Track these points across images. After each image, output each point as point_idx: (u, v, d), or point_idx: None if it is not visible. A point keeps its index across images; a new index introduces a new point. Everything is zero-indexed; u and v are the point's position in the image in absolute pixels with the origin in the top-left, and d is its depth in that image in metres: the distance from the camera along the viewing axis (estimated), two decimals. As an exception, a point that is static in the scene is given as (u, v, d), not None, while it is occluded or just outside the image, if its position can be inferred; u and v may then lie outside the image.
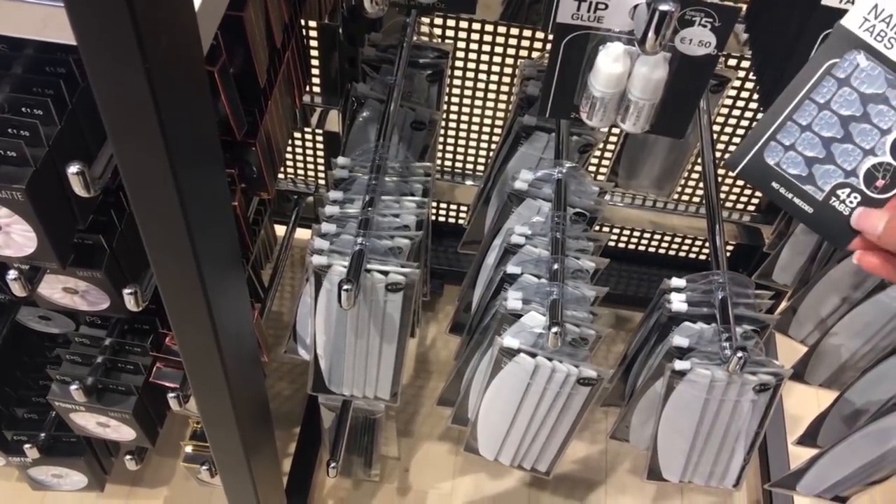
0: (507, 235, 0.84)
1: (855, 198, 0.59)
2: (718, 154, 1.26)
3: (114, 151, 0.56)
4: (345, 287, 0.71)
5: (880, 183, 0.58)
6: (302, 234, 1.37)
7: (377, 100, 0.96)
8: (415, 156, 0.98)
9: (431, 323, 1.55)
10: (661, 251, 1.50)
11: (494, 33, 1.15)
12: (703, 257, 1.49)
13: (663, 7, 0.47)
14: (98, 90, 0.52)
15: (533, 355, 0.76)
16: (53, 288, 0.84)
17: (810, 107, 0.55)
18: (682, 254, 1.49)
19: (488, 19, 1.11)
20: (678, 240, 1.46)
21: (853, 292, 0.94)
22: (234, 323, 0.76)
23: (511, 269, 0.81)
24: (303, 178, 1.42)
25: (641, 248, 1.50)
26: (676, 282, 0.81)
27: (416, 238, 0.82)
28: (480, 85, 1.22)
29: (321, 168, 1.39)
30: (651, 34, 0.49)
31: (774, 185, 0.59)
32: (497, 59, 1.18)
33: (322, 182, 1.40)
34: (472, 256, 0.99)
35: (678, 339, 0.77)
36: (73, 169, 0.63)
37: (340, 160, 0.87)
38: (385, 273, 0.79)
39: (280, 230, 1.33)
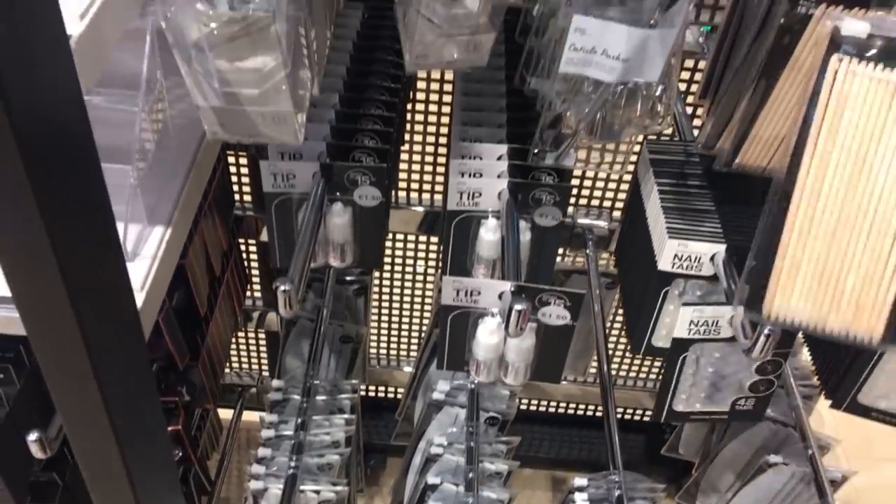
0: (428, 446, 0.93)
1: (751, 402, 0.77)
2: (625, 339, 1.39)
3: (64, 426, 0.65)
4: (278, 518, 0.79)
5: (762, 388, 0.76)
6: (248, 415, 1.44)
7: (307, 319, 1.07)
8: (345, 365, 1.09)
9: (376, 497, 1.60)
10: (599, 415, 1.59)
11: (416, 241, 1.28)
12: (646, 419, 1.58)
13: (518, 307, 0.60)
14: (47, 374, 0.61)
15: (453, 565, 0.84)
16: (10, 521, 0.90)
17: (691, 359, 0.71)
18: (626, 416, 1.59)
19: (409, 231, 1.24)
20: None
21: (745, 469, 1.05)
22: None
23: (431, 479, 0.90)
24: (247, 370, 1.50)
25: (580, 412, 1.59)
26: (579, 481, 0.91)
27: (346, 454, 0.91)
28: (408, 278, 1.35)
29: (264, 360, 1.48)
30: (512, 323, 0.61)
31: (693, 417, 0.80)
32: (420, 262, 1.31)
33: (266, 372, 1.49)
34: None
35: (582, 541, 0.86)
36: (31, 437, 0.71)
37: (275, 383, 0.96)
38: (317, 492, 0.87)
39: (225, 412, 1.40)
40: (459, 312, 0.66)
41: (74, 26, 0.49)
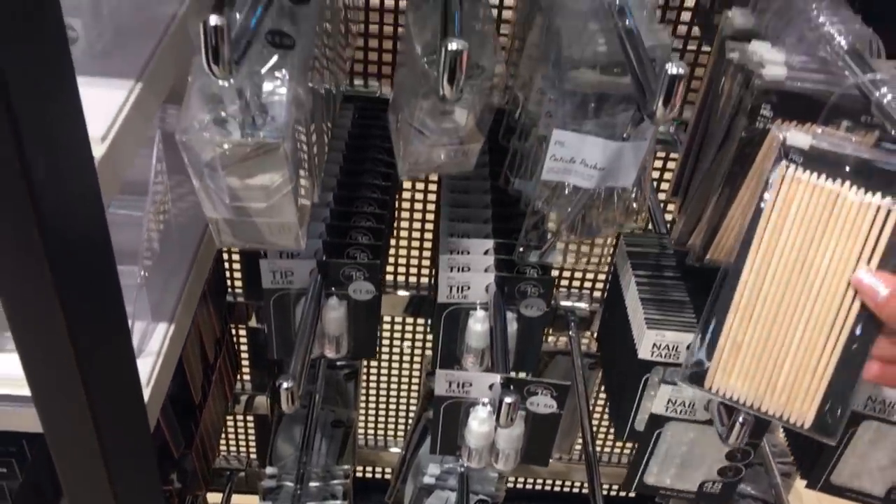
0: (419, 531, 0.95)
1: (718, 485, 0.81)
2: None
3: None
4: None
5: (730, 474, 0.80)
6: (237, 499, 1.44)
7: (300, 405, 1.09)
8: (336, 450, 1.11)
9: (365, 581, 1.59)
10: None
11: (403, 324, 1.32)
12: (632, 495, 1.60)
13: (507, 399, 0.63)
14: (60, 468, 0.63)
15: None
16: None
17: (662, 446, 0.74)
18: (612, 493, 1.60)
19: (395, 315, 1.28)
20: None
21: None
22: None
23: (423, 565, 0.92)
24: (235, 454, 1.51)
25: (566, 489, 1.61)
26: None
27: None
28: (395, 360, 1.38)
29: (252, 443, 1.49)
30: (503, 415, 0.64)
31: (662, 491, 0.83)
32: (407, 344, 1.34)
33: (254, 456, 1.49)
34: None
35: None
36: (35, 531, 0.73)
37: (269, 470, 0.98)
38: (311, 580, 0.88)
39: (213, 496, 1.40)
40: (452, 402, 0.70)
41: (97, 149, 0.54)
